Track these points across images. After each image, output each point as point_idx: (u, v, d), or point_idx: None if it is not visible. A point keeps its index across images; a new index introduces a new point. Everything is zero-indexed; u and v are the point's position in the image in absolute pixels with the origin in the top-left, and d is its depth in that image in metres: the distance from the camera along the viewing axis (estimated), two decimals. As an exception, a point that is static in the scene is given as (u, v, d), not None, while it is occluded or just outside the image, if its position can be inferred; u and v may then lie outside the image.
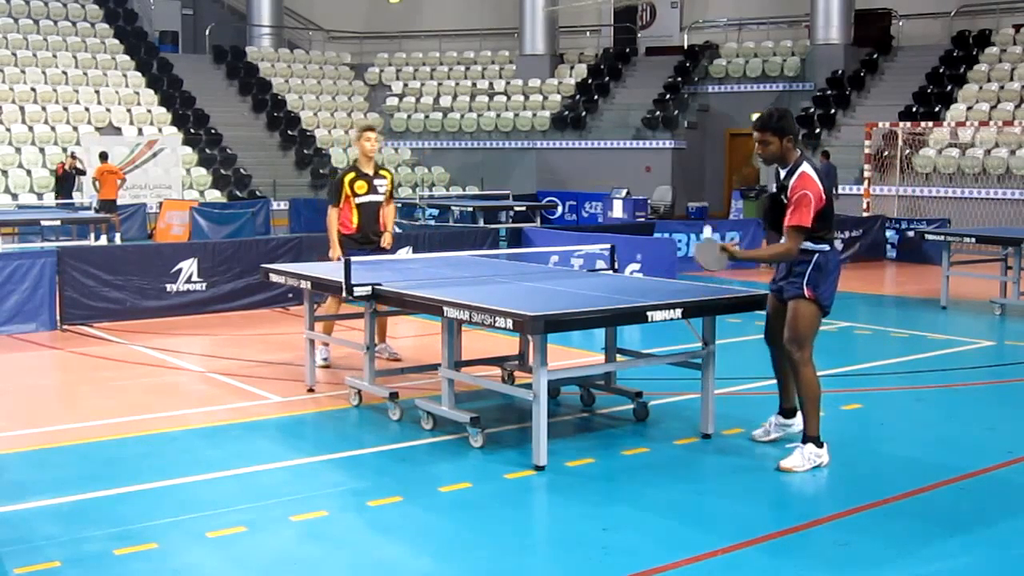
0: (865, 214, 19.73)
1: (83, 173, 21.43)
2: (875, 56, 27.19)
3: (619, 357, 7.51)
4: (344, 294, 7.01)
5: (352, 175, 9.03)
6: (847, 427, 7.00)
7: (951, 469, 6.17)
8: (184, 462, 6.28)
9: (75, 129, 25.51)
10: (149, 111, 27.12)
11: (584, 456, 6.37)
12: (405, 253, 10.99)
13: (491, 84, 31.44)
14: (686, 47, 30.44)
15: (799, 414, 6.37)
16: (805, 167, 6.00)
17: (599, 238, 13.75)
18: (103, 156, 20.84)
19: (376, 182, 9.06)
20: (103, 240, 17.41)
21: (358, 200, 8.99)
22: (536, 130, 29.30)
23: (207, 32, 31.65)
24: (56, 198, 21.52)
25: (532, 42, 31.19)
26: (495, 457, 6.33)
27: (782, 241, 6.10)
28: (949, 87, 24.83)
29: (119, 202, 20.36)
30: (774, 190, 6.20)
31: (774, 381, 6.73)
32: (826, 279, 6.07)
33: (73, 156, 21.80)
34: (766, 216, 6.36)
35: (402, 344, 9.75)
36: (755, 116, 6.37)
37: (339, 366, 9.07)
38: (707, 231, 16.26)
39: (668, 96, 28.51)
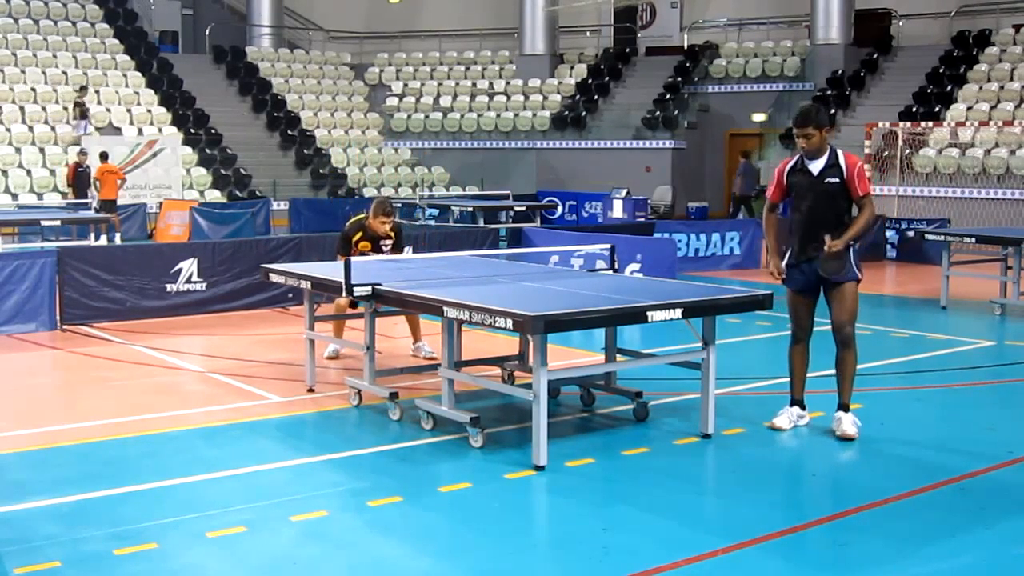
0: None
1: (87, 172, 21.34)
2: (875, 56, 27.18)
3: (619, 357, 7.52)
4: (344, 294, 7.02)
5: (359, 235, 9.18)
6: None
7: (951, 469, 6.18)
8: (184, 462, 6.28)
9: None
10: (149, 111, 27.10)
11: (584, 456, 6.37)
12: (405, 253, 10.99)
13: (491, 84, 31.43)
14: (686, 47, 30.43)
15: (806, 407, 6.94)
16: (838, 149, 6.72)
17: (599, 238, 13.74)
18: (103, 156, 20.81)
19: (383, 243, 9.23)
20: (103, 240, 17.41)
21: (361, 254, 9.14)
22: (536, 130, 29.29)
23: (207, 32, 31.64)
24: (72, 196, 21.37)
25: (532, 42, 31.18)
26: (495, 457, 6.33)
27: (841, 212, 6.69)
28: (949, 87, 24.82)
29: (119, 202, 20.33)
30: (811, 177, 6.68)
31: (773, 381, 6.75)
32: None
33: (83, 152, 21.71)
34: (804, 203, 6.70)
35: (402, 344, 9.76)
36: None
37: (338, 366, 9.08)
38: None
39: (668, 96, 28.50)
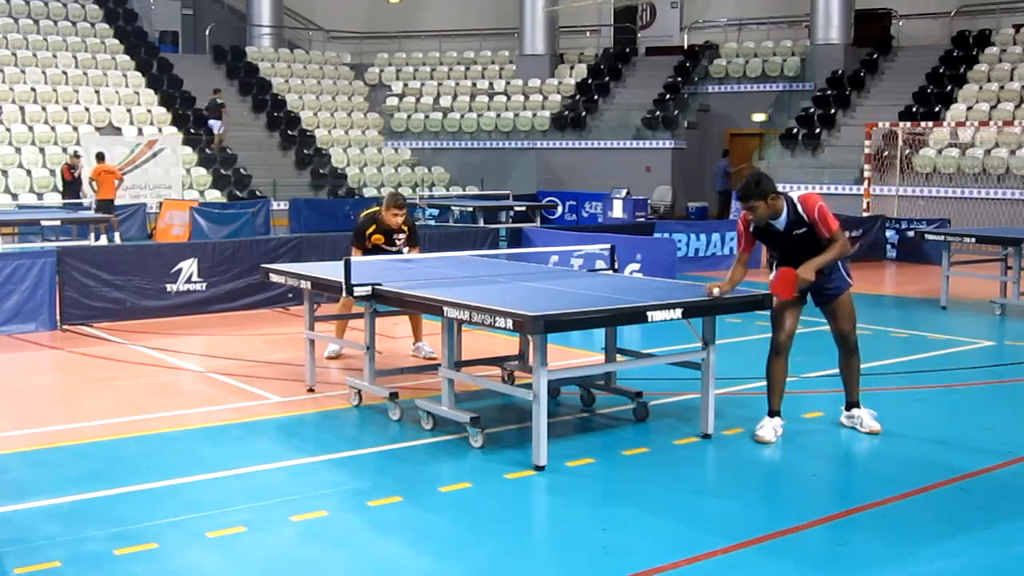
0: (865, 214, 19.73)
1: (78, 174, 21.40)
2: (875, 56, 27.18)
3: (619, 357, 7.51)
4: (344, 294, 7.03)
5: (372, 228, 9.18)
6: (847, 427, 7.00)
7: (951, 469, 6.17)
8: (184, 462, 6.28)
9: (75, 129, 25.49)
10: (149, 111, 27.10)
11: (584, 456, 6.37)
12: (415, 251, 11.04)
13: (491, 84, 31.43)
14: (686, 47, 30.43)
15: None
16: (793, 196, 6.60)
17: (599, 238, 13.74)
18: (100, 156, 20.78)
19: (396, 236, 9.23)
20: (103, 240, 17.41)
21: (374, 246, 9.19)
22: (536, 130, 29.29)
23: (207, 32, 31.64)
24: (63, 198, 21.42)
25: (532, 42, 31.18)
26: (495, 457, 6.33)
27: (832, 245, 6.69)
28: (949, 87, 24.82)
29: (116, 202, 20.32)
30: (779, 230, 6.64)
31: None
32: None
33: (76, 155, 21.74)
34: (780, 251, 6.73)
35: (402, 344, 9.76)
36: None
37: (338, 366, 9.08)
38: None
39: (668, 96, 28.50)
